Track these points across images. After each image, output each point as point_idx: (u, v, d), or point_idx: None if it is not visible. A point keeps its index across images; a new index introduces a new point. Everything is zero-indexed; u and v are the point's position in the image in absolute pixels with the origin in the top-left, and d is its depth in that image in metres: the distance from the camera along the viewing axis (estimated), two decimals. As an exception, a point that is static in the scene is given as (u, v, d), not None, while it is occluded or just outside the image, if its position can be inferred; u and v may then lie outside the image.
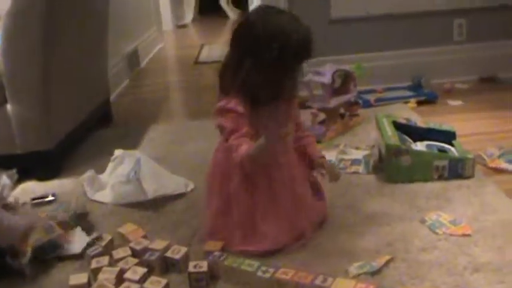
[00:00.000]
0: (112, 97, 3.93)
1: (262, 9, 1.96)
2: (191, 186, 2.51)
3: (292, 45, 1.83)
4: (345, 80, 3.10)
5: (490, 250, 1.91)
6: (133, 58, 4.98)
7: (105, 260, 1.91)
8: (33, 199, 2.49)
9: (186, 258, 1.90)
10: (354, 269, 1.84)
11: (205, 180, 2.12)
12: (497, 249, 1.91)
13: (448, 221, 2.07)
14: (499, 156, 2.59)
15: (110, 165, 2.59)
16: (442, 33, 3.90)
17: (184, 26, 7.53)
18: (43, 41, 2.56)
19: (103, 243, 2.02)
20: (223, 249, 1.94)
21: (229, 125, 1.91)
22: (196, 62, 5.37)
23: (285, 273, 1.76)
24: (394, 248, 1.95)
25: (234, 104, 1.90)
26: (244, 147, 1.86)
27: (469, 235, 1.99)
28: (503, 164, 2.54)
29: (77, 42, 2.98)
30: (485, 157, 2.59)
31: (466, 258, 1.87)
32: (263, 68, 1.85)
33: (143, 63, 5.34)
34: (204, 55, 5.66)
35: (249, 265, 1.81)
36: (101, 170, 2.63)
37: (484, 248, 1.92)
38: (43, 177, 2.71)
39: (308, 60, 1.91)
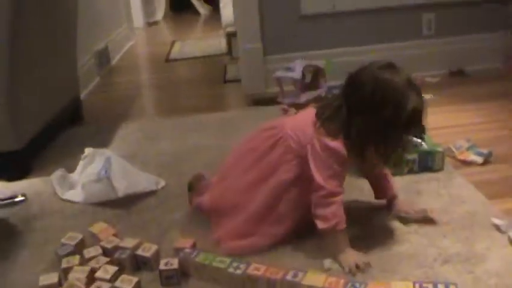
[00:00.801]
0: (82, 95, 3.90)
1: (388, 67, 1.88)
2: (162, 183, 2.51)
3: (409, 111, 1.77)
4: (315, 75, 3.12)
5: (458, 241, 1.94)
6: (104, 56, 4.95)
7: (75, 259, 1.90)
8: (2, 200, 2.46)
9: (157, 256, 1.90)
10: (328, 263, 1.86)
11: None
12: (465, 240, 1.94)
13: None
14: (468, 149, 2.62)
15: (80, 164, 2.57)
16: (411, 28, 3.92)
17: (155, 23, 7.49)
18: (9, 40, 2.53)
19: (74, 243, 2.00)
20: (194, 246, 1.94)
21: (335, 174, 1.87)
22: (168, 59, 5.35)
23: (257, 269, 1.76)
24: (365, 242, 1.96)
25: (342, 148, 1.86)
26: (343, 226, 1.87)
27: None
28: (472, 156, 2.57)
29: (44, 40, 2.95)
30: (454, 150, 2.62)
31: (436, 250, 1.90)
32: (377, 127, 1.80)
33: (114, 61, 5.31)
34: (176, 52, 5.64)
35: (221, 261, 1.82)
36: (71, 168, 2.62)
37: (453, 239, 1.95)
38: (12, 177, 2.69)
39: (418, 132, 1.94)
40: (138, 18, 7.00)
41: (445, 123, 3.04)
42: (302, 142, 1.91)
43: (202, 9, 7.81)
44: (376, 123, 1.79)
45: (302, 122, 1.97)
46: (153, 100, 4.29)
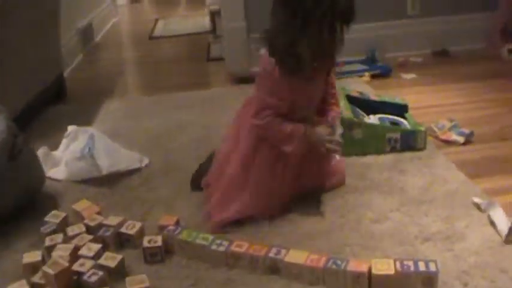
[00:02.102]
0: (66, 72, 3.87)
1: None
2: (146, 161, 2.51)
3: (341, 3, 1.81)
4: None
5: (439, 220, 1.96)
6: (88, 33, 4.91)
7: (59, 237, 1.90)
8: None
9: (140, 234, 1.91)
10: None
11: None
12: (446, 218, 1.96)
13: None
14: (450, 129, 2.63)
15: (64, 142, 2.57)
16: (396, 7, 3.92)
17: (139, 1, 7.44)
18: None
19: (57, 221, 2.00)
20: (177, 223, 1.95)
21: (267, 94, 1.92)
22: (151, 37, 5.33)
23: (239, 246, 1.78)
24: (346, 219, 1.99)
25: (270, 66, 1.88)
26: (300, 125, 1.93)
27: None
28: (454, 136, 2.59)
29: (26, 19, 2.92)
30: (436, 129, 2.63)
31: (417, 228, 1.92)
32: (313, 29, 1.80)
33: (97, 38, 5.27)
34: (159, 30, 5.61)
35: (204, 239, 1.83)
36: (54, 146, 2.61)
37: (434, 218, 1.97)
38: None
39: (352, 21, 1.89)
40: (121, -5, 6.96)
41: (428, 103, 3.05)
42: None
43: (186, -13, 7.76)
44: (318, 16, 1.79)
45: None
46: (137, 78, 4.28)
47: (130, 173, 2.43)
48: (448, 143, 2.57)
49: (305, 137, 1.93)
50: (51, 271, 1.67)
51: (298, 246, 1.80)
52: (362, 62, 3.72)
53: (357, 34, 3.79)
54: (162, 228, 1.91)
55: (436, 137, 2.61)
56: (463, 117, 2.80)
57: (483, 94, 3.19)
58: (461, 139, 2.57)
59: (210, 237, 1.83)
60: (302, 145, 1.94)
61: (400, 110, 2.64)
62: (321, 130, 1.96)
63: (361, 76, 3.52)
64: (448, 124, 2.66)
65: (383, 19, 3.87)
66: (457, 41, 3.96)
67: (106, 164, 2.37)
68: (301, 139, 1.92)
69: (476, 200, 2.03)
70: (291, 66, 1.86)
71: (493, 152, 2.50)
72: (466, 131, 2.61)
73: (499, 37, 3.94)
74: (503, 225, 1.87)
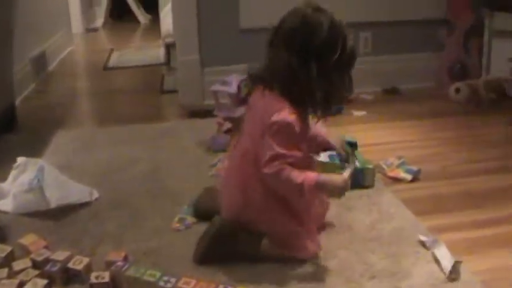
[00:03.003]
0: (17, 101, 3.83)
1: (316, 10, 1.87)
2: (96, 195, 2.49)
3: (350, 46, 1.84)
4: (250, 90, 3.14)
5: (386, 257, 2.00)
6: (41, 62, 4.87)
7: (4, 272, 1.87)
8: None
9: (88, 269, 1.89)
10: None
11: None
12: (392, 256, 2.00)
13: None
14: (398, 166, 2.69)
15: (12, 173, 2.53)
16: (348, 45, 4.00)
17: (94, 30, 7.41)
18: None
19: (3, 255, 1.97)
20: (126, 259, 1.94)
21: (283, 146, 1.82)
22: (106, 68, 5.31)
23: (187, 283, 1.78)
24: (293, 257, 2.00)
25: (291, 117, 1.82)
26: (312, 174, 1.85)
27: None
28: (402, 174, 2.64)
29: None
30: (384, 166, 2.69)
31: (363, 266, 1.95)
32: (327, 72, 1.81)
33: (51, 67, 5.23)
34: (114, 60, 5.60)
35: (151, 275, 1.82)
36: (2, 177, 2.57)
37: (380, 255, 2.01)
38: None
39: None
40: (77, 24, 6.91)
41: (377, 140, 3.11)
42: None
43: (143, 18, 7.77)
44: (323, 67, 1.80)
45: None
46: (90, 108, 4.25)
47: (80, 206, 2.41)
48: (396, 180, 2.62)
49: (317, 188, 1.86)
50: (-6, 307, 1.64)
51: (246, 284, 1.81)
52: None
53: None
54: (109, 263, 1.90)
55: (385, 174, 2.66)
56: (411, 154, 2.86)
57: (431, 132, 3.27)
58: (408, 176, 2.62)
59: (158, 273, 1.82)
60: (314, 195, 1.93)
61: (350, 147, 2.68)
62: (335, 179, 1.87)
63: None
64: (396, 161, 2.72)
65: (335, 56, 3.94)
66: (407, 79, 4.05)
67: (55, 197, 2.35)
68: (312, 191, 1.86)
69: (422, 237, 2.07)
70: (307, 112, 1.88)
71: (438, 190, 2.56)
72: (414, 168, 2.67)
73: (447, 76, 4.06)
74: (446, 262, 1.92)
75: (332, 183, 1.85)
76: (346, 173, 1.88)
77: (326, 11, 1.86)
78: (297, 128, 1.82)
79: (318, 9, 1.86)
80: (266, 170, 1.83)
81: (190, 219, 2.27)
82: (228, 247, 1.95)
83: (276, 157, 1.81)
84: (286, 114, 1.81)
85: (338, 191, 1.87)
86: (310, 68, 1.80)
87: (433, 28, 4.10)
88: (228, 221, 1.97)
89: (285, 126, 1.81)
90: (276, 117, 1.81)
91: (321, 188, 1.86)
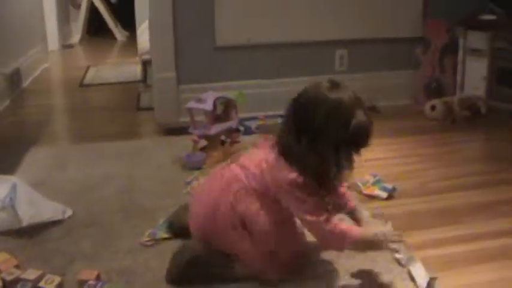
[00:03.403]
0: (-10, 119, 3.79)
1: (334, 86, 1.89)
2: (69, 213, 2.46)
3: (362, 129, 1.85)
4: (226, 107, 3.14)
5: (360, 274, 1.99)
6: (15, 78, 4.83)
7: (-28, 292, 1.84)
8: None
9: (60, 288, 1.87)
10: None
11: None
12: (367, 273, 2.00)
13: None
14: (374, 184, 2.69)
15: (-16, 191, 2.49)
16: (324, 63, 4.01)
17: (71, 46, 7.37)
18: None
19: (-28, 274, 1.94)
20: (98, 278, 1.91)
21: (311, 202, 1.86)
22: (82, 84, 5.28)
23: (160, 302, 1.76)
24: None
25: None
26: (358, 230, 1.93)
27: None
28: (377, 191, 2.64)
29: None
30: (360, 184, 2.69)
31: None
32: (331, 149, 1.83)
33: (26, 84, 5.18)
34: (90, 77, 5.56)
35: (124, 294, 1.80)
36: (-26, 195, 2.53)
37: (355, 273, 2.01)
38: None
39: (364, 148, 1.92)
40: (53, 41, 6.88)
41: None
42: (270, 188, 1.90)
43: (120, 35, 7.75)
44: (332, 144, 1.82)
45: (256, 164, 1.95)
46: (65, 126, 4.21)
47: (53, 224, 2.37)
48: (372, 197, 2.62)
49: (357, 243, 1.91)
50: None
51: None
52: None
53: (286, 88, 3.88)
54: (81, 282, 1.87)
55: (360, 192, 2.66)
56: (387, 172, 2.87)
57: (407, 150, 3.29)
58: (384, 194, 2.62)
59: (131, 292, 1.81)
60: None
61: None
62: (375, 229, 1.97)
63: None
64: (371, 179, 2.72)
65: (311, 74, 3.94)
66: (383, 97, 4.07)
67: (27, 215, 2.31)
68: (352, 244, 1.91)
69: (397, 255, 2.07)
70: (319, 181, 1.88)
71: (415, 206, 2.57)
72: (389, 186, 2.67)
73: (423, 94, 4.09)
74: (421, 280, 1.92)
75: (375, 234, 1.93)
76: (388, 226, 1.99)
77: (341, 88, 1.89)
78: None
79: (332, 87, 1.88)
80: (312, 218, 1.86)
81: (160, 234, 2.25)
82: (202, 271, 1.95)
83: (325, 221, 1.85)
84: (294, 178, 1.84)
85: (376, 247, 1.95)
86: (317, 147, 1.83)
87: (409, 46, 4.13)
88: (201, 245, 1.98)
89: (295, 186, 1.84)
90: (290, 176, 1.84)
91: (362, 243, 1.92)
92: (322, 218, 1.84)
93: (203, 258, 1.95)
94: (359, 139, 1.86)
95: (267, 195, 1.90)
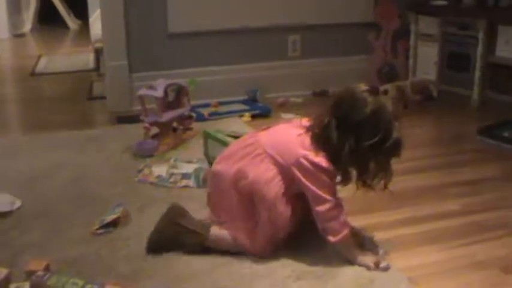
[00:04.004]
0: None
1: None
2: (18, 204, 2.42)
3: (392, 141, 1.91)
4: (178, 94, 3.12)
5: (314, 259, 2.00)
6: (-36, 68, 4.74)
7: None
8: None
9: (7, 280, 1.83)
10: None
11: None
12: (320, 258, 2.00)
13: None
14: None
15: None
16: (277, 49, 4.02)
17: (22, 35, 7.25)
18: None
19: None
20: (47, 268, 1.88)
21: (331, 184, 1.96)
22: (33, 73, 5.19)
23: (111, 291, 1.74)
24: (217, 262, 1.99)
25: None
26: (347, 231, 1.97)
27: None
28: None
29: None
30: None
31: (290, 268, 1.95)
32: (360, 149, 1.91)
33: (-25, 74, 5.10)
34: (41, 66, 5.48)
35: (74, 284, 1.77)
36: None
37: (308, 257, 2.01)
38: None
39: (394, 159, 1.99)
40: (3, 30, 6.77)
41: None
42: (287, 160, 1.96)
43: (72, 23, 7.64)
44: (365, 146, 1.90)
45: (282, 139, 2.02)
46: (15, 115, 4.14)
47: (1, 216, 2.33)
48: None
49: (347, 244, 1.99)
50: None
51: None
52: (243, 102, 3.77)
53: (239, 75, 3.90)
54: (30, 273, 1.84)
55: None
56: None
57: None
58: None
59: (81, 281, 1.78)
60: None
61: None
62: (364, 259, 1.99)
63: (241, 116, 3.55)
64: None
65: (264, 60, 3.95)
66: (337, 82, 4.05)
67: (-26, 207, 2.28)
68: (344, 241, 1.97)
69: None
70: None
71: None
72: (341, 170, 2.68)
73: (376, 78, 4.11)
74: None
75: (360, 259, 1.98)
76: (383, 264, 1.96)
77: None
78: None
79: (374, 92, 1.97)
80: (324, 211, 1.95)
81: (108, 218, 2.22)
82: (174, 233, 2.02)
83: (337, 205, 1.96)
84: (327, 166, 1.93)
85: (366, 265, 1.96)
86: (348, 141, 1.91)
87: (362, 31, 4.16)
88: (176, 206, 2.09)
89: (323, 173, 1.93)
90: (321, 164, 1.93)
91: (346, 248, 1.99)
92: (334, 199, 1.95)
93: (176, 217, 2.04)
94: (395, 149, 1.95)
95: (283, 167, 1.96)
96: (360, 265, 1.95)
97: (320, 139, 1.94)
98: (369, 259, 1.96)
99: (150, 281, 1.88)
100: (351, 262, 1.97)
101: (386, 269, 1.93)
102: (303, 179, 1.93)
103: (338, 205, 1.96)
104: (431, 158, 2.97)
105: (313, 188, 1.93)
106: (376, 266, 1.94)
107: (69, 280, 1.79)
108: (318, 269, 1.94)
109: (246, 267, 1.95)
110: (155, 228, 2.05)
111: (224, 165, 2.05)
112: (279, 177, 1.97)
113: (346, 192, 2.50)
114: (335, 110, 1.95)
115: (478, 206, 2.46)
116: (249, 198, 1.98)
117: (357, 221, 2.25)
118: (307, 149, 1.93)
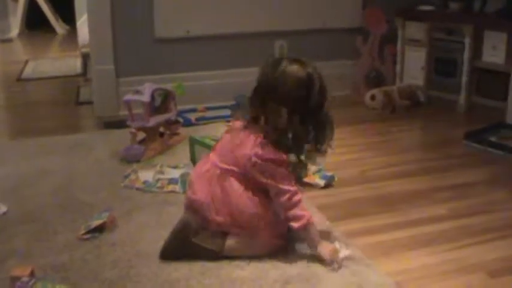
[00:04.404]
0: None
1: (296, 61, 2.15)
2: (3, 209, 2.40)
3: (325, 91, 2.09)
4: (165, 99, 3.11)
5: (301, 263, 2.00)
6: (-50, 73, 4.71)
7: None
8: None
9: (-9, 286, 1.82)
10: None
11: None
12: (307, 261, 2.00)
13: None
14: (314, 173, 2.69)
15: None
16: (264, 54, 3.98)
17: (9, 40, 7.21)
18: None
19: None
20: (32, 274, 1.87)
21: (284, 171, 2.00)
22: (20, 79, 5.16)
23: (95, 297, 1.73)
24: (207, 266, 1.98)
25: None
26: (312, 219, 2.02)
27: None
28: (316, 180, 2.65)
29: None
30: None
31: (278, 272, 1.95)
32: (305, 121, 2.02)
33: (-40, 79, 5.06)
34: (29, 71, 5.45)
35: (59, 290, 1.77)
36: None
37: (295, 261, 2.01)
38: None
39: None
40: (-11, 35, 6.74)
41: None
42: (241, 167, 2.01)
43: (60, 28, 7.61)
44: (306, 112, 2.01)
45: (228, 148, 2.06)
46: (1, 121, 4.11)
47: (-15, 221, 2.32)
48: (310, 185, 2.62)
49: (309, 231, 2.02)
50: None
51: None
52: (230, 108, 3.76)
53: (226, 80, 3.89)
54: (14, 279, 1.82)
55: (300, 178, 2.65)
56: (330, 161, 2.84)
57: (349, 139, 3.32)
58: (321, 183, 2.63)
59: None
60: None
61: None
62: (326, 246, 2.03)
63: (228, 121, 3.54)
64: (314, 168, 2.70)
65: (251, 65, 3.92)
66: (324, 86, 4.08)
67: (-41, 213, 2.26)
68: (306, 229, 2.01)
69: (337, 244, 2.07)
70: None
71: (355, 194, 2.60)
72: (328, 174, 2.68)
73: (363, 84, 4.13)
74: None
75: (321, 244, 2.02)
76: (342, 254, 2.00)
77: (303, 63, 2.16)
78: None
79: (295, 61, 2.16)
80: (284, 200, 1.99)
81: (94, 223, 2.21)
82: (188, 252, 2.02)
83: (295, 192, 2.00)
84: (276, 155, 1.99)
85: (322, 254, 2.00)
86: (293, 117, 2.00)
87: (349, 36, 4.17)
88: (191, 217, 2.07)
89: (277, 163, 1.99)
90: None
91: (308, 232, 2.02)
92: (293, 188, 1.99)
93: (192, 229, 2.04)
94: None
95: (244, 174, 2.02)
96: (318, 254, 1.99)
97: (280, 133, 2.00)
98: (327, 249, 2.00)
99: (137, 286, 1.87)
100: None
101: (344, 259, 1.98)
102: (263, 179, 1.99)
103: (297, 193, 2.00)
104: (419, 163, 2.98)
105: (274, 183, 1.98)
106: (332, 256, 1.97)
107: (55, 286, 1.78)
108: (306, 273, 1.94)
109: (235, 271, 1.95)
110: (167, 246, 2.04)
111: (200, 195, 2.07)
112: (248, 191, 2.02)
113: (333, 198, 2.54)
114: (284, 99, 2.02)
115: (466, 210, 2.46)
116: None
117: (346, 225, 2.26)
118: (254, 146, 1.98)
